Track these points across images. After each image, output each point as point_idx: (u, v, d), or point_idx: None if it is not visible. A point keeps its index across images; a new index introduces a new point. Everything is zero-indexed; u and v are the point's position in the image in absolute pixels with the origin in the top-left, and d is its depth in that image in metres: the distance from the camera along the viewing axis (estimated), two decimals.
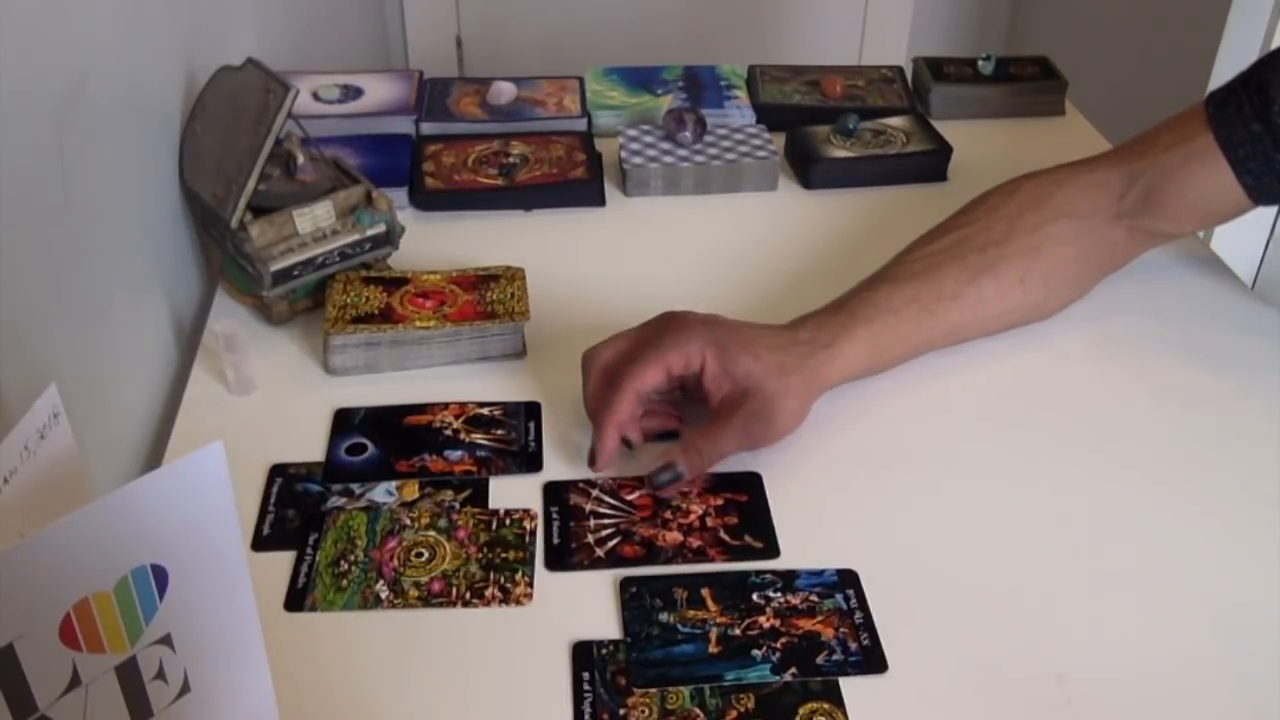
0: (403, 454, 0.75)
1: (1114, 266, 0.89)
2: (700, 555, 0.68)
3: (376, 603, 0.65)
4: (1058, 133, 1.20)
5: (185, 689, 0.48)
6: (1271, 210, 1.71)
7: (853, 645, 0.63)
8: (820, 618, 0.64)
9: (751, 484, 0.73)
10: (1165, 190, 0.84)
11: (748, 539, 0.69)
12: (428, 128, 1.10)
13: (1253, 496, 0.73)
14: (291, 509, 0.71)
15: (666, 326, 0.74)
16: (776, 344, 0.74)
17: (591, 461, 0.73)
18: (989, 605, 0.66)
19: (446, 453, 0.75)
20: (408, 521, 0.70)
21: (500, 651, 0.63)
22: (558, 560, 0.68)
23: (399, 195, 0.99)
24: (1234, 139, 0.80)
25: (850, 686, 0.61)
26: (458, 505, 0.72)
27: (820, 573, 0.67)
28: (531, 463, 0.75)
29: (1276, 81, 0.79)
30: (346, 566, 0.67)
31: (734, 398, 0.72)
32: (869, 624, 0.64)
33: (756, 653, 0.62)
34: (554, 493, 0.72)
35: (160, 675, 0.47)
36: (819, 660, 0.62)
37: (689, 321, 0.74)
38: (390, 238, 0.88)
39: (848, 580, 0.67)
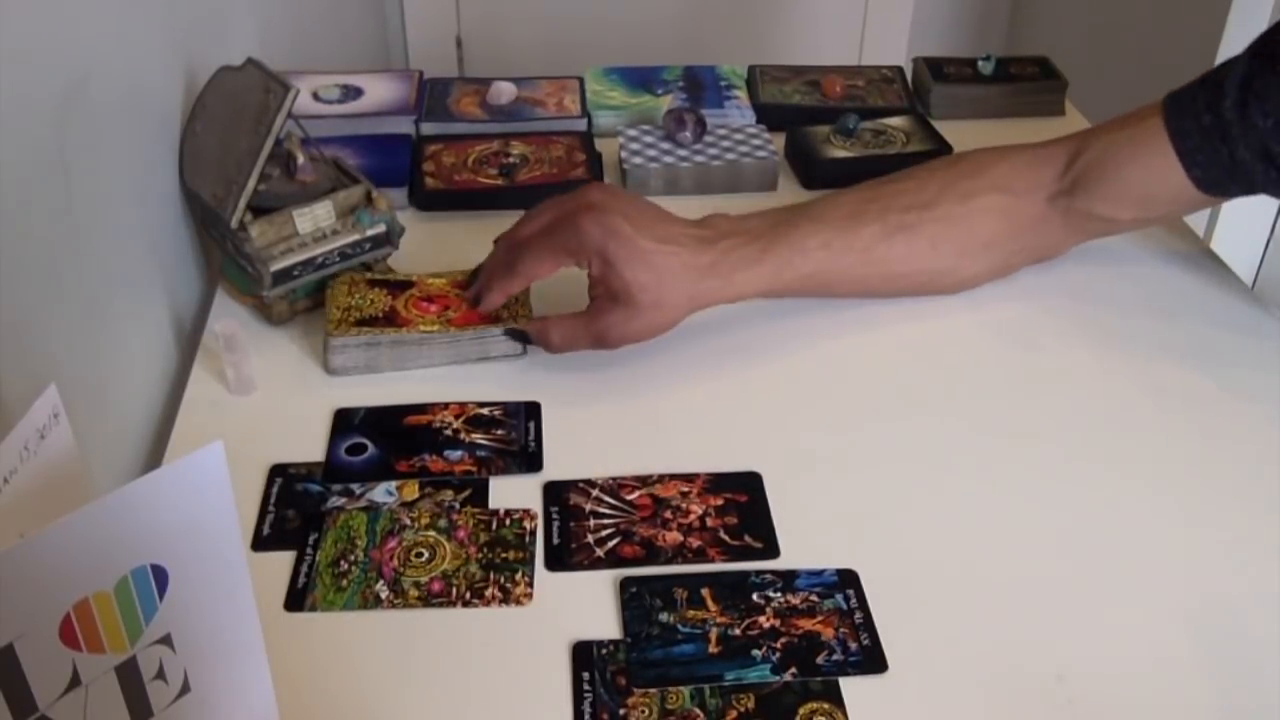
0: (403, 454, 0.75)
1: (1044, 250, 0.91)
2: (700, 555, 0.68)
3: (376, 603, 0.65)
4: (1058, 133, 1.19)
5: (185, 689, 0.48)
6: (1271, 210, 1.71)
7: (853, 645, 0.63)
8: (820, 618, 0.64)
9: (751, 484, 0.73)
10: (1104, 169, 0.84)
11: (748, 539, 0.69)
12: (428, 128, 1.10)
13: (1253, 497, 0.73)
14: (291, 509, 0.71)
15: (572, 215, 0.78)
16: (671, 265, 0.78)
17: (475, 303, 0.82)
18: (989, 605, 0.66)
19: (446, 453, 0.75)
20: (408, 521, 0.70)
21: (500, 651, 0.63)
22: (558, 560, 0.68)
23: (399, 195, 0.99)
24: (1183, 129, 0.81)
25: (850, 686, 0.61)
26: (458, 505, 0.72)
27: (820, 573, 0.67)
28: (531, 463, 0.75)
29: (1232, 78, 0.79)
30: (346, 566, 0.67)
31: (609, 291, 0.78)
32: (869, 624, 0.64)
33: (756, 653, 0.62)
34: (554, 493, 0.72)
35: (160, 675, 0.47)
36: (819, 660, 0.62)
37: (592, 217, 0.77)
38: (390, 238, 0.88)
39: (848, 580, 0.67)
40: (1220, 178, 0.81)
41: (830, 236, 0.83)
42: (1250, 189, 0.82)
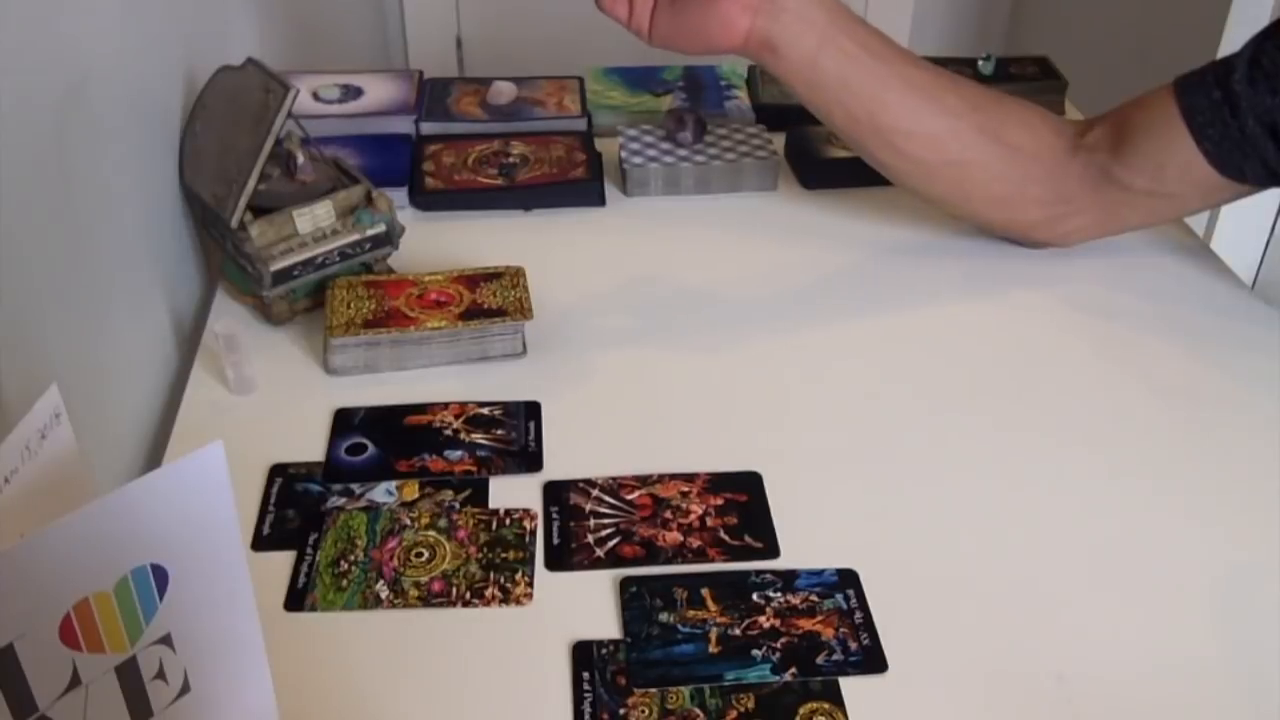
0: (403, 454, 0.75)
1: (1060, 197, 0.90)
2: (700, 555, 0.68)
3: (376, 603, 0.65)
4: None
5: (185, 689, 0.48)
6: (1272, 210, 1.71)
7: (853, 645, 0.63)
8: (820, 618, 0.64)
9: (751, 484, 0.73)
10: (1120, 134, 0.86)
11: (748, 539, 0.69)
12: (428, 128, 1.10)
13: (1254, 496, 0.73)
14: (291, 509, 0.71)
15: None
16: None
17: None
18: (989, 605, 0.66)
19: (446, 453, 0.75)
20: (408, 521, 0.70)
21: (500, 651, 0.63)
22: (558, 560, 0.68)
23: (399, 195, 0.99)
24: (1195, 105, 0.82)
25: (850, 686, 0.61)
26: (458, 505, 0.72)
27: (820, 573, 0.67)
28: (531, 463, 0.75)
29: (1242, 54, 0.82)
30: (346, 566, 0.67)
31: None
32: (869, 624, 0.64)
33: (756, 653, 0.62)
34: (554, 493, 0.72)
35: (160, 675, 0.47)
36: (819, 660, 0.62)
37: None
38: (390, 238, 0.88)
39: (848, 580, 0.67)
40: (1232, 153, 0.82)
41: (880, 49, 0.88)
42: (1266, 171, 0.82)
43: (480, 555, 0.68)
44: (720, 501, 0.72)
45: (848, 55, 0.84)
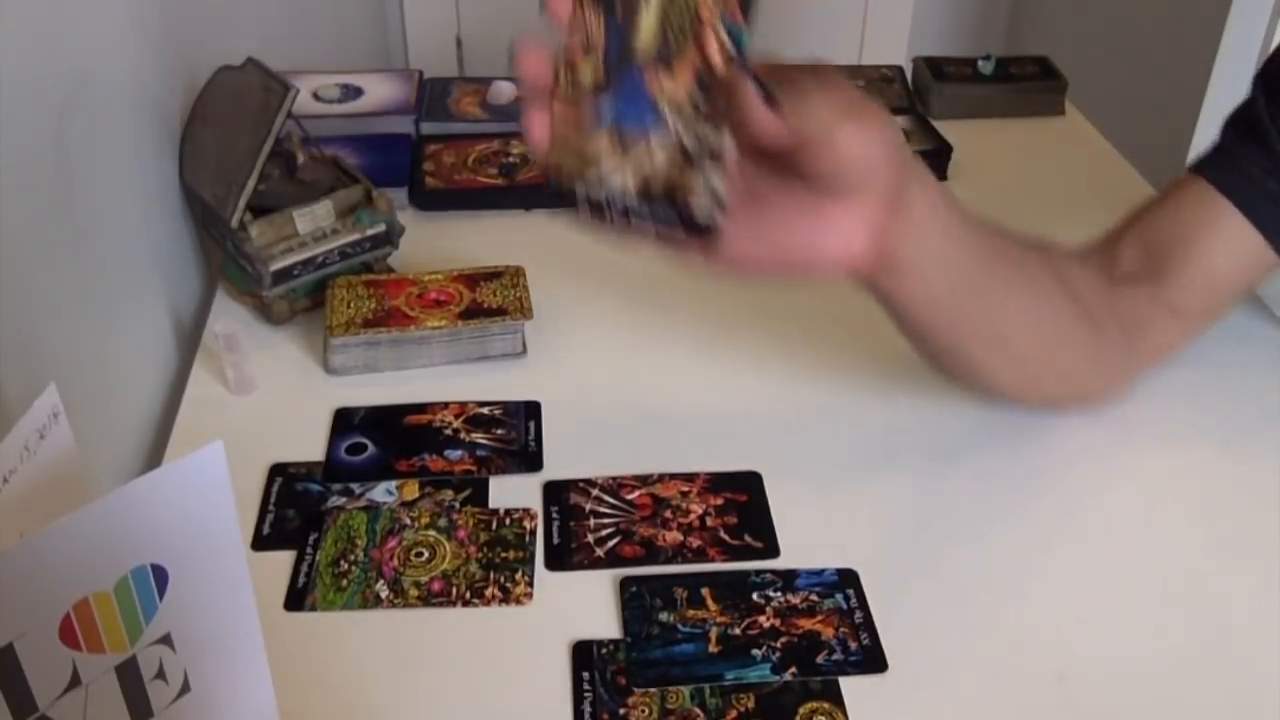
0: (403, 454, 0.75)
1: (1119, 346, 0.74)
2: (700, 555, 0.68)
3: (376, 603, 0.65)
4: (1058, 133, 1.20)
5: (185, 689, 0.48)
6: None
7: (853, 645, 0.63)
8: (820, 617, 0.64)
9: (751, 484, 0.73)
10: (1163, 250, 0.73)
11: (748, 539, 0.69)
12: (428, 127, 1.10)
13: (1255, 498, 0.73)
14: (291, 509, 0.71)
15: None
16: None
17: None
18: (989, 605, 0.66)
19: (446, 452, 0.75)
20: (408, 521, 0.70)
21: (500, 651, 0.63)
22: (558, 560, 0.68)
23: (399, 195, 0.99)
24: (1237, 184, 0.72)
25: (850, 686, 0.61)
26: (458, 505, 0.72)
27: (820, 572, 0.67)
28: (531, 462, 0.75)
29: (1262, 112, 0.72)
30: (346, 566, 0.67)
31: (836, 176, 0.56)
32: (869, 624, 0.64)
33: (756, 652, 0.62)
34: (554, 492, 0.72)
35: (160, 675, 0.47)
36: (819, 660, 0.62)
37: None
38: (390, 237, 0.88)
39: (848, 580, 0.67)
40: None
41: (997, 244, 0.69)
42: None
43: (480, 555, 0.68)
44: (720, 501, 0.72)
45: (966, 250, 0.64)
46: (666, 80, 0.50)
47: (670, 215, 0.51)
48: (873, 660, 0.62)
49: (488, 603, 0.65)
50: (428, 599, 0.65)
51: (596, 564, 0.68)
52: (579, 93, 0.51)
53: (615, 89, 0.51)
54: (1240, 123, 0.74)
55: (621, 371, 0.83)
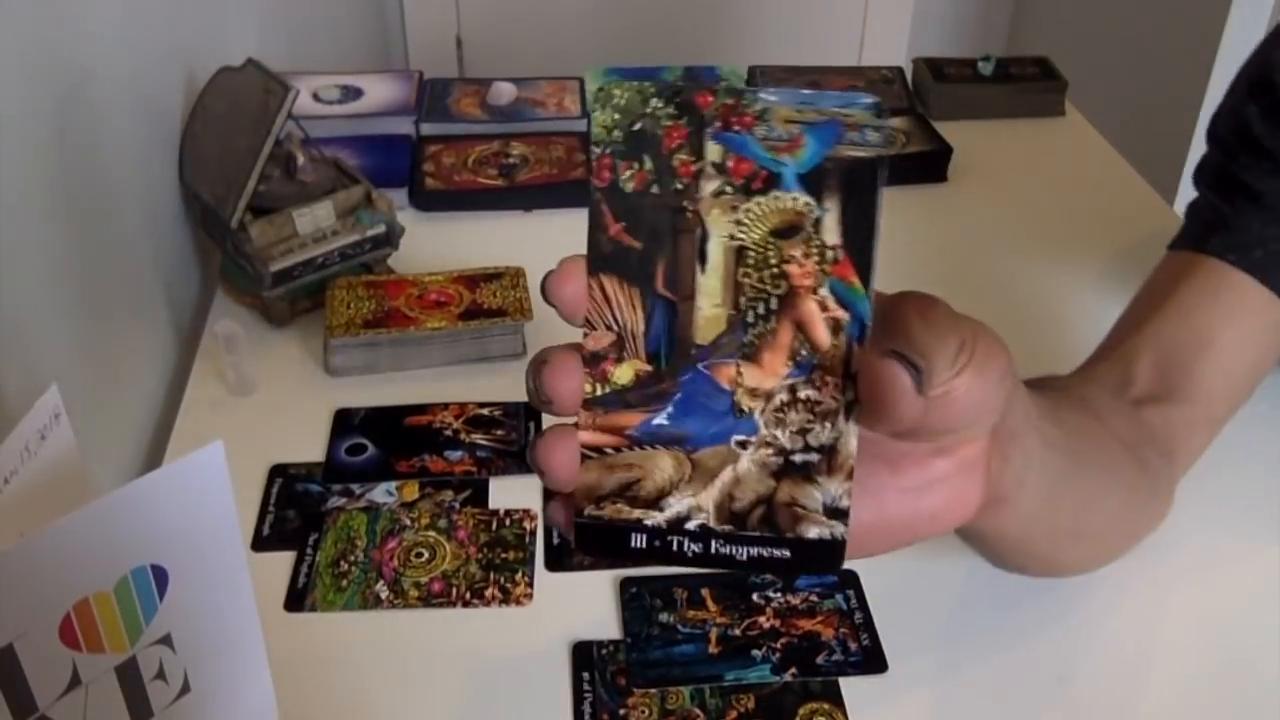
0: (403, 454, 0.75)
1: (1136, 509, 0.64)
2: None
3: (376, 603, 0.65)
4: (1058, 133, 1.20)
5: (185, 689, 0.48)
6: None
7: (853, 645, 0.63)
8: (820, 618, 0.64)
9: None
10: (1189, 357, 0.66)
11: None
12: (428, 128, 1.10)
13: (1255, 500, 0.73)
14: (291, 509, 0.71)
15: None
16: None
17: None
18: (989, 605, 0.66)
19: (446, 453, 0.75)
20: (408, 521, 0.70)
21: (500, 651, 0.63)
22: (558, 560, 0.68)
23: (399, 195, 0.99)
24: (1256, 260, 0.65)
25: (850, 686, 0.61)
26: (458, 505, 0.72)
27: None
28: None
29: (1249, 170, 0.67)
30: (346, 566, 0.67)
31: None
32: (869, 624, 0.64)
33: (756, 653, 0.62)
34: (554, 494, 0.72)
35: (160, 675, 0.47)
36: (819, 660, 0.62)
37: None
38: (390, 238, 0.88)
39: (848, 580, 0.67)
40: None
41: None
42: None
43: (480, 555, 0.68)
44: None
45: (1055, 449, 0.51)
46: (750, 370, 0.37)
47: (773, 547, 0.38)
48: (873, 660, 0.62)
49: (488, 603, 0.65)
50: (428, 599, 0.65)
51: (596, 564, 0.68)
52: (616, 403, 0.38)
53: (670, 392, 0.38)
54: (1228, 188, 0.69)
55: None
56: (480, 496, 0.72)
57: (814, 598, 0.65)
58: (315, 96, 1.10)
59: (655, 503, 0.38)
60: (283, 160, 0.86)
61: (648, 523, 0.38)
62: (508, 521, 0.70)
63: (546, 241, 0.98)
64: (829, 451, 0.38)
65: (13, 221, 0.61)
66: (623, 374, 0.38)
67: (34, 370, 0.62)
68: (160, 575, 0.44)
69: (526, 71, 1.21)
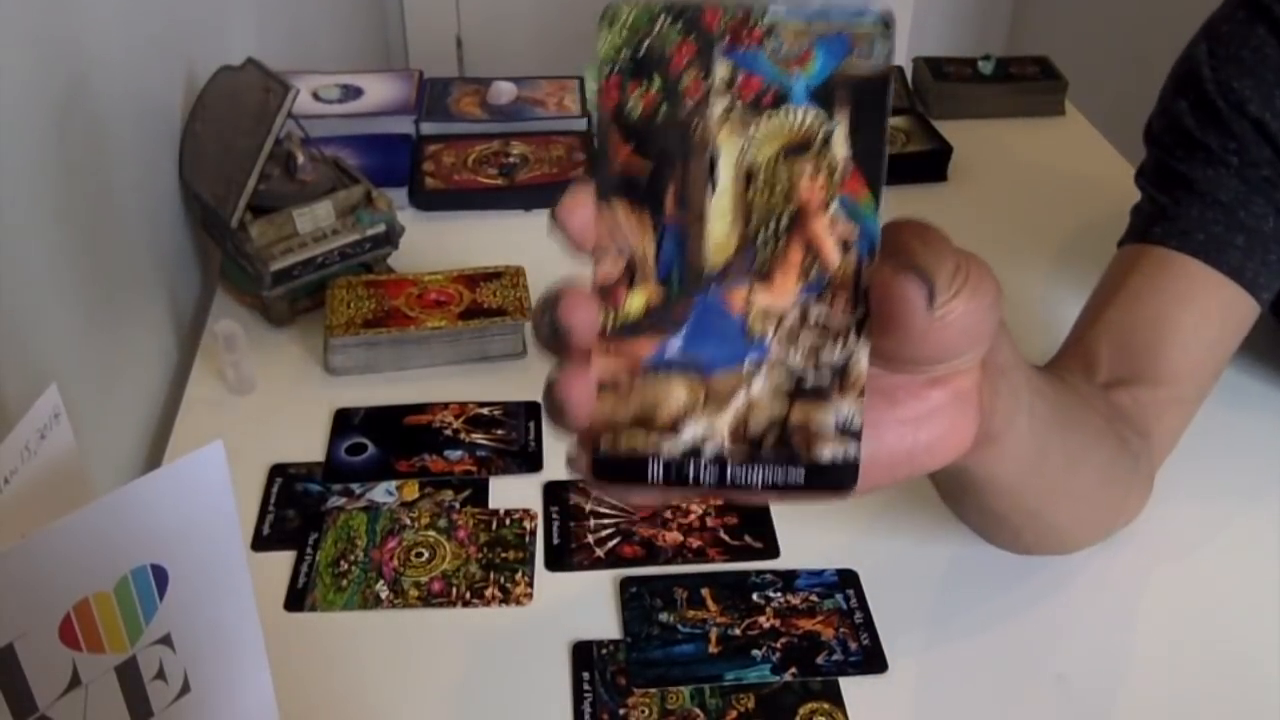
0: (403, 454, 0.75)
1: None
2: (700, 555, 0.68)
3: (376, 603, 0.65)
4: (1058, 133, 1.20)
5: (185, 689, 0.48)
6: None
7: (853, 645, 0.63)
8: (820, 618, 0.64)
9: None
10: (1149, 342, 0.67)
11: (748, 539, 0.69)
12: (428, 128, 1.10)
13: (1255, 500, 0.73)
14: (291, 509, 0.71)
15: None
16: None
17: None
18: (989, 605, 0.66)
19: (446, 453, 0.75)
20: (408, 521, 0.70)
21: (500, 651, 0.63)
22: (558, 560, 0.68)
23: (399, 195, 0.99)
24: (1216, 247, 0.68)
25: (850, 686, 0.61)
26: (458, 505, 0.72)
27: (820, 573, 0.67)
28: (531, 463, 0.75)
29: (1207, 175, 0.69)
30: (346, 566, 0.67)
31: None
32: (869, 624, 0.64)
33: (756, 653, 0.62)
34: (554, 493, 0.72)
35: (160, 675, 0.47)
36: (819, 660, 0.62)
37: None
38: (390, 237, 0.88)
39: (848, 580, 0.67)
40: (1270, 277, 0.68)
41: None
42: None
43: (480, 555, 0.68)
44: (720, 501, 0.72)
45: (1041, 395, 0.52)
46: (761, 292, 0.37)
47: (788, 468, 0.38)
48: (873, 660, 0.62)
49: (488, 603, 0.65)
50: (428, 599, 0.65)
51: (596, 564, 0.68)
52: (629, 332, 0.38)
53: (682, 317, 0.37)
54: (1167, 182, 0.71)
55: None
56: (480, 496, 0.72)
57: (814, 598, 0.65)
58: (315, 96, 1.10)
59: (671, 431, 0.38)
60: (283, 160, 0.86)
61: (665, 452, 0.38)
62: (508, 521, 0.70)
63: (546, 241, 0.98)
64: (840, 371, 0.37)
65: (13, 221, 0.61)
66: (635, 302, 0.38)
67: (34, 370, 0.62)
68: (160, 575, 0.44)
69: (526, 71, 1.21)
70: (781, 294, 0.37)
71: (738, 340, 0.37)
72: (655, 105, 0.36)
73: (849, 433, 0.37)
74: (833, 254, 0.37)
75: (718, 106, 0.36)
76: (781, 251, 0.37)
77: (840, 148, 0.36)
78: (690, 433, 0.38)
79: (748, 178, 0.36)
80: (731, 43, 0.35)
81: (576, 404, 0.38)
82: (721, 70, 0.35)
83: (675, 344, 0.37)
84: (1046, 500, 0.58)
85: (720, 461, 0.38)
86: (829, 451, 0.37)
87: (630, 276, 0.37)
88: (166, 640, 0.46)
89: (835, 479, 0.38)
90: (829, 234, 0.36)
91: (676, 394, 0.38)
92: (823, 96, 0.36)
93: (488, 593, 0.66)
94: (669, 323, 0.37)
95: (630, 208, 0.37)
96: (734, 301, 0.37)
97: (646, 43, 0.36)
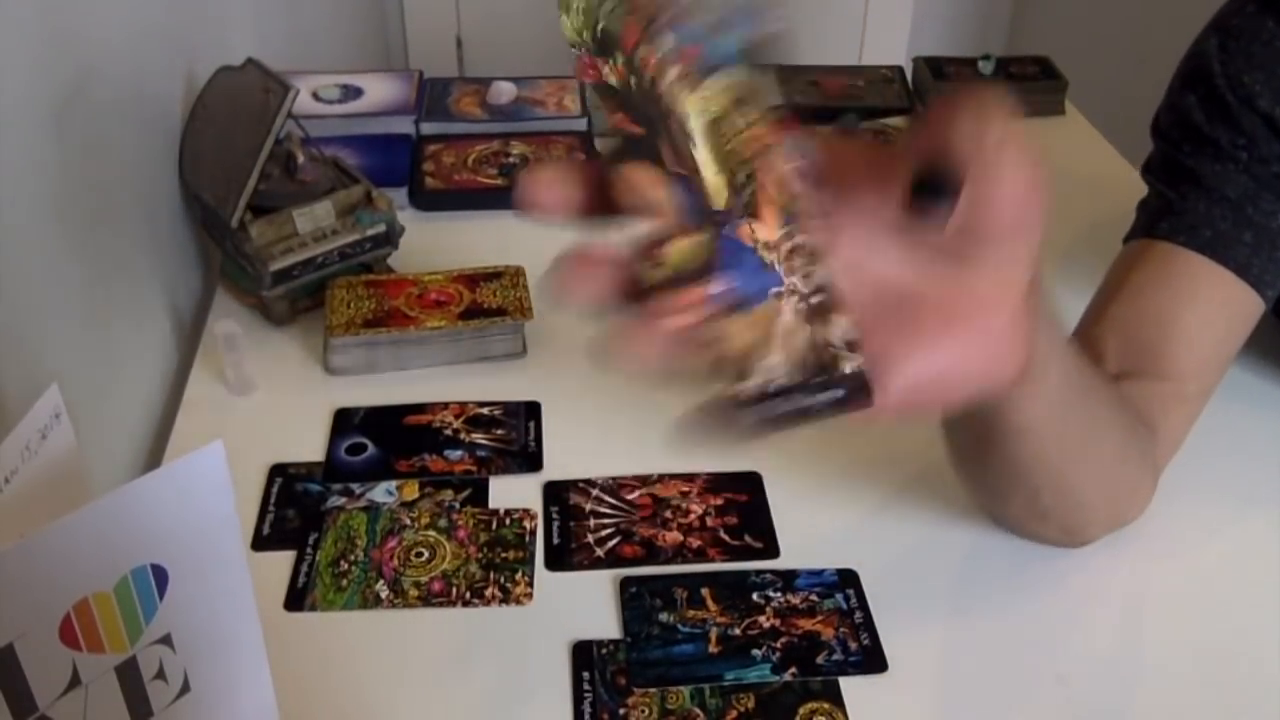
0: (403, 454, 0.75)
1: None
2: (700, 555, 0.68)
3: (376, 603, 0.65)
4: (1058, 133, 1.20)
5: (185, 689, 0.48)
6: None
7: (853, 645, 0.63)
8: (820, 618, 0.64)
9: (751, 484, 0.73)
10: (1154, 338, 0.67)
11: (748, 539, 0.69)
12: (428, 128, 1.10)
13: (1256, 500, 0.73)
14: (291, 509, 0.71)
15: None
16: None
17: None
18: (989, 605, 0.66)
19: (446, 452, 0.75)
20: (408, 521, 0.70)
21: (500, 651, 0.63)
22: (558, 560, 0.68)
23: (399, 195, 0.99)
24: (1221, 243, 0.67)
25: (850, 686, 0.61)
26: (458, 505, 0.72)
27: (820, 573, 0.67)
28: (531, 463, 0.75)
29: (1212, 170, 0.68)
30: (346, 566, 0.67)
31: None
32: (869, 624, 0.64)
33: (756, 653, 0.62)
34: (554, 493, 0.72)
35: (160, 675, 0.47)
36: (819, 660, 0.62)
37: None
38: (390, 237, 0.88)
39: (848, 580, 0.67)
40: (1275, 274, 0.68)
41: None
42: None
43: (480, 555, 0.68)
44: (720, 501, 0.72)
45: (1074, 367, 0.55)
46: (757, 226, 0.40)
47: (830, 387, 0.40)
48: (873, 660, 0.62)
49: (488, 603, 0.65)
50: (428, 599, 0.65)
51: (596, 564, 0.68)
52: (675, 284, 0.40)
53: (714, 260, 0.40)
54: (1174, 176, 0.70)
55: (621, 372, 0.83)
56: (480, 496, 0.72)
57: (814, 598, 0.65)
58: (315, 96, 1.10)
59: (740, 373, 0.40)
60: (283, 160, 0.86)
61: (742, 394, 0.41)
62: (508, 521, 0.70)
63: (546, 241, 0.98)
64: (829, 289, 0.40)
65: (13, 221, 0.61)
66: (674, 252, 0.40)
67: (34, 370, 0.62)
68: (160, 575, 0.44)
69: (526, 71, 1.21)
70: (770, 227, 0.40)
71: (760, 272, 0.40)
72: (625, 77, 0.39)
73: (853, 345, 0.40)
74: (792, 185, 0.40)
75: (672, 73, 0.38)
76: (758, 190, 0.40)
77: (773, 97, 0.39)
78: (757, 372, 0.40)
79: (716, 130, 0.39)
80: (669, 18, 0.38)
81: (653, 361, 0.41)
82: (667, 43, 0.38)
83: (718, 285, 0.40)
84: (1069, 459, 0.58)
85: (787, 392, 0.40)
86: (848, 365, 0.40)
87: (664, 230, 0.40)
88: (166, 640, 0.46)
89: (858, 392, 0.40)
90: (784, 169, 0.39)
91: (734, 334, 0.40)
92: (749, 55, 0.39)
93: (488, 593, 0.66)
94: (705, 267, 0.40)
95: (640, 167, 0.40)
96: (744, 238, 0.40)
97: (600, 25, 0.39)
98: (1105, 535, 0.68)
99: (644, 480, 0.73)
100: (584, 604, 0.65)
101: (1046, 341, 0.49)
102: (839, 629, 0.63)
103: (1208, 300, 0.68)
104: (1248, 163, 0.68)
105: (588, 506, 0.71)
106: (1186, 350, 0.67)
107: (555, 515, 0.71)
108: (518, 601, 0.65)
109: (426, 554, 0.68)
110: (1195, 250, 0.68)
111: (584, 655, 0.62)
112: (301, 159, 0.86)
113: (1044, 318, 0.49)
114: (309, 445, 0.76)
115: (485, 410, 0.79)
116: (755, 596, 0.65)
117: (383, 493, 0.72)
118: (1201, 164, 0.70)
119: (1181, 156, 0.71)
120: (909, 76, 1.23)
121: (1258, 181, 0.68)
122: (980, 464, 0.61)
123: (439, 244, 0.95)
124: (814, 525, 0.71)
